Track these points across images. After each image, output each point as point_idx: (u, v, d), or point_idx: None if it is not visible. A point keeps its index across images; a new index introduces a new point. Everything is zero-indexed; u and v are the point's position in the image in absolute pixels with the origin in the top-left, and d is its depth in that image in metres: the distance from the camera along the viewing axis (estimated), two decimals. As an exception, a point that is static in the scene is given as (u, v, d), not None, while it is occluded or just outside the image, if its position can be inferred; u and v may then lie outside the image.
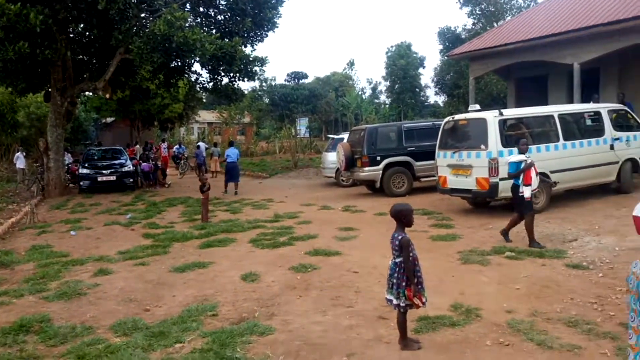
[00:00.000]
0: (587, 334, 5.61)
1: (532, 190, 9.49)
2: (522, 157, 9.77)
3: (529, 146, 12.23)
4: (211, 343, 5.78)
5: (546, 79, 21.46)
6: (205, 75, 22.90)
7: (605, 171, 13.33)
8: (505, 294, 7.05)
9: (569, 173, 12.64)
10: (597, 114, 13.61)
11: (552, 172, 12.31)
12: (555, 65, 19.08)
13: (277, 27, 21.64)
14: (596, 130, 13.40)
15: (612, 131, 13.49)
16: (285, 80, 70.52)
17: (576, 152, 12.80)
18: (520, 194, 9.51)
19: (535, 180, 9.57)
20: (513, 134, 12.52)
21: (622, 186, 13.62)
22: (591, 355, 5.14)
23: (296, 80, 69.87)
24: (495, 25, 34.52)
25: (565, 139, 12.71)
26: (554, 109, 13.51)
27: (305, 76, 71.47)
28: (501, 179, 11.82)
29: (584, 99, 17.40)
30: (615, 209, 11.92)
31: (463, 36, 39.67)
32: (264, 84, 67.03)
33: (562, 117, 12.97)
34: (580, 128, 13.46)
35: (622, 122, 14.03)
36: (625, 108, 14.74)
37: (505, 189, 11.94)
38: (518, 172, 9.61)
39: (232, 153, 20.25)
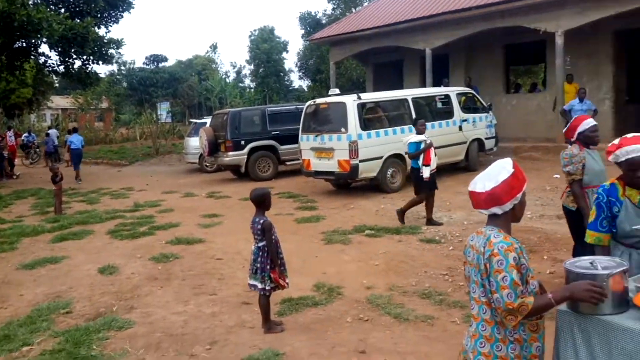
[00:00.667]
0: (439, 305, 5.96)
1: (430, 171, 9.47)
2: (421, 137, 9.75)
3: (386, 129, 12.83)
4: (64, 343, 5.43)
5: (401, 63, 22.43)
6: (55, 57, 21.38)
7: (455, 151, 14.23)
8: (365, 271, 7.30)
9: (423, 153, 13.32)
10: (447, 97, 14.48)
11: (407, 153, 12.89)
12: (410, 51, 20.00)
13: (133, 7, 20.74)
14: (446, 112, 14.26)
15: (460, 113, 14.42)
16: (144, 63, 67.84)
17: (428, 133, 13.46)
18: (420, 174, 9.53)
19: (434, 160, 9.63)
20: (371, 117, 13.00)
21: (470, 164, 14.62)
22: (443, 324, 5.47)
23: (156, 64, 67.44)
24: (354, 10, 35.47)
25: (419, 120, 13.34)
26: (408, 93, 14.19)
27: (165, 59, 69.24)
28: (361, 161, 12.22)
29: (436, 83, 18.43)
30: (463, 185, 12.72)
31: (323, 21, 40.40)
32: (122, 67, 63.99)
33: (415, 100, 13.63)
34: (432, 111, 14.25)
35: (469, 105, 15.04)
36: (472, 91, 15.81)
37: (365, 170, 12.40)
38: (417, 152, 9.60)
39: (76, 140, 19.59)
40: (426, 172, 9.45)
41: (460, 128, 14.31)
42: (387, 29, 19.64)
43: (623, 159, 3.35)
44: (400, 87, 20.76)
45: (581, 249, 5.53)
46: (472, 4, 17.01)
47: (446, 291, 6.34)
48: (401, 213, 9.82)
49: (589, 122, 5.53)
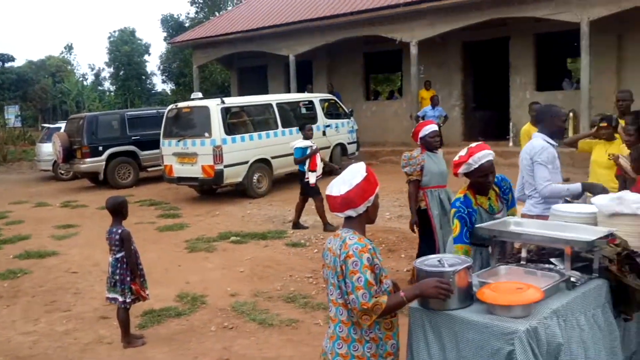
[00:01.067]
0: (303, 308, 6.03)
1: (316, 177, 9.37)
2: (307, 142, 9.66)
3: (251, 133, 12.81)
4: None
5: (266, 69, 22.54)
6: None
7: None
8: (229, 278, 7.21)
9: (288, 158, 13.42)
10: (311, 103, 14.76)
11: (272, 157, 13.01)
12: (274, 56, 20.13)
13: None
14: (310, 118, 14.52)
15: (324, 119, 14.75)
16: (-14, 63, 62.34)
17: (293, 138, 13.63)
18: (306, 180, 9.40)
19: (320, 166, 9.58)
20: (235, 122, 12.92)
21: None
22: (307, 327, 5.53)
23: (1, 63, 62.26)
24: (217, 14, 35.11)
25: (283, 126, 13.50)
26: (273, 98, 14.30)
27: (13, 59, 64.05)
28: (226, 166, 12.09)
29: (300, 89, 18.73)
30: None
31: (186, 24, 39.54)
32: (-40, 67, 58.41)
33: (280, 105, 13.76)
34: (296, 116, 14.45)
35: (332, 111, 15.45)
36: (334, 98, 16.26)
37: (230, 175, 12.28)
38: (304, 157, 9.50)
39: None
40: (312, 178, 9.34)
41: (324, 133, 14.63)
42: (251, 34, 19.65)
43: (476, 166, 3.55)
44: (266, 92, 20.85)
45: (425, 247, 5.86)
46: (334, 12, 17.49)
47: (311, 294, 6.43)
48: (296, 225, 9.70)
49: (429, 128, 5.92)
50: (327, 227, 9.39)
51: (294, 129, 13.79)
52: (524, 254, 3.35)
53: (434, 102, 15.12)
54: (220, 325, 5.67)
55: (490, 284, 2.82)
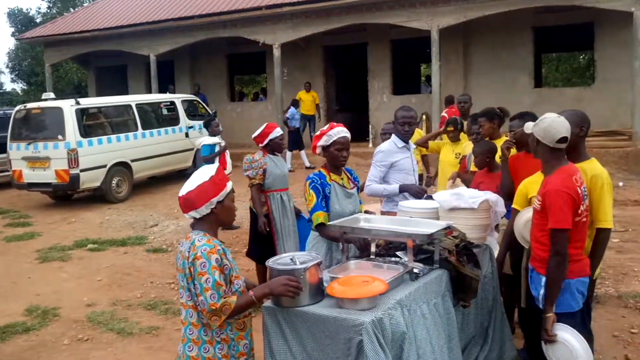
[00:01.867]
0: (164, 314, 5.89)
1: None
2: (215, 139, 9.30)
3: (109, 135, 12.27)
4: None
5: (126, 68, 21.67)
6: None
7: (182, 157, 14.23)
8: (86, 287, 6.87)
9: (149, 161, 13.09)
10: (173, 104, 14.41)
11: (132, 160, 12.55)
12: (134, 56, 19.39)
13: None
14: (172, 119, 14.19)
15: (186, 120, 14.46)
16: None
17: (154, 140, 13.32)
18: None
19: (230, 164, 9.20)
20: (92, 124, 12.31)
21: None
22: (168, 333, 5.41)
23: None
24: (72, 10, 33.19)
25: (144, 128, 13.08)
26: (132, 99, 13.79)
27: None
28: (82, 170, 11.48)
29: (161, 90, 18.22)
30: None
31: (38, 20, 36.99)
32: None
33: (140, 106, 13.30)
34: (157, 117, 14.05)
35: (195, 112, 15.19)
36: (197, 98, 16.01)
37: (87, 180, 11.67)
38: (212, 155, 9.12)
39: None
40: None
41: (187, 135, 14.36)
42: (109, 32, 18.78)
43: (335, 138, 3.82)
44: (126, 92, 20.04)
45: (256, 243, 5.91)
46: (195, 12, 17.21)
47: (172, 300, 6.29)
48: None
49: (279, 131, 5.95)
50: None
51: (155, 131, 13.44)
52: (373, 248, 3.52)
53: (297, 104, 15.40)
54: (74, 337, 5.38)
55: (338, 279, 2.94)
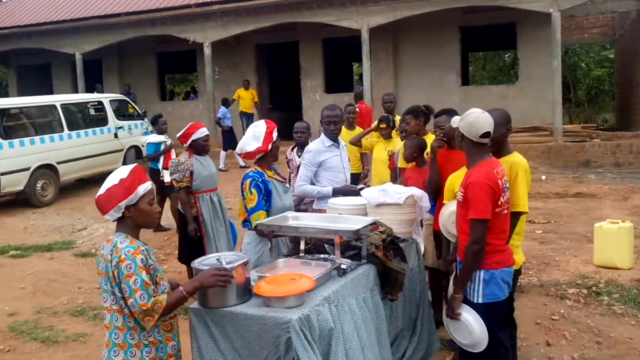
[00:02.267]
0: (93, 320, 5.72)
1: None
2: (161, 137, 8.89)
3: (32, 137, 11.79)
4: None
5: (50, 67, 20.88)
6: None
7: (111, 159, 13.82)
8: (8, 296, 6.57)
9: (76, 163, 12.67)
10: (100, 103, 14.00)
11: (58, 162, 12.11)
12: (59, 54, 18.73)
13: None
14: (100, 119, 13.78)
15: (115, 120, 14.08)
16: None
17: (81, 141, 12.90)
18: (161, 178, 8.58)
19: None
20: (13, 125, 11.80)
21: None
22: (97, 340, 5.24)
23: None
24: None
25: (70, 129, 12.64)
26: (57, 99, 13.30)
27: None
28: (3, 174, 10.99)
29: (89, 89, 17.67)
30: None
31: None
32: None
33: (65, 106, 12.85)
34: (84, 118, 13.63)
35: (124, 112, 14.81)
36: (126, 98, 15.61)
37: (9, 184, 11.17)
38: (157, 154, 8.75)
39: None
40: (167, 177, 8.28)
41: (116, 135, 13.99)
42: (30, 29, 18.04)
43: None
44: (51, 92, 19.30)
45: (186, 246, 5.83)
46: (122, 10, 16.79)
47: (101, 305, 5.94)
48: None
49: (203, 131, 5.76)
50: (160, 228, 8.93)
51: (82, 132, 13.02)
52: (302, 245, 3.54)
53: (227, 103, 15.24)
54: (-5, 349, 5.15)
55: (265, 278, 2.94)
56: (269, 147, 3.91)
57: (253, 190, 3.78)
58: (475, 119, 3.34)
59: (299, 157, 5.55)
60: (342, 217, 3.65)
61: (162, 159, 8.81)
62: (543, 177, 11.76)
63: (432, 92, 14.90)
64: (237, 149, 4.04)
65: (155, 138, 9.08)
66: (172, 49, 18.78)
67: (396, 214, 3.87)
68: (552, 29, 13.04)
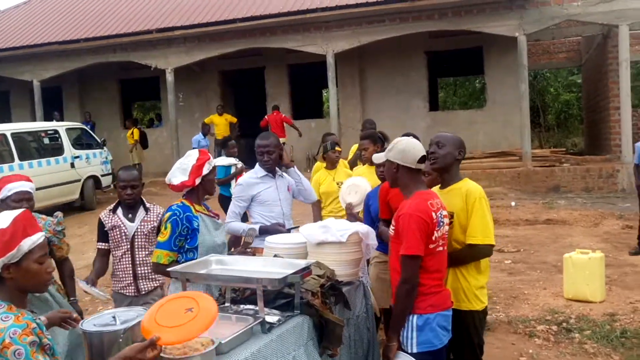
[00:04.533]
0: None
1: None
2: (231, 160, 8.29)
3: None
4: None
5: (8, 95, 20.22)
6: None
7: (68, 189, 13.26)
8: None
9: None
10: (56, 132, 13.43)
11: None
12: (16, 82, 18.12)
13: None
14: (56, 148, 13.20)
15: (72, 149, 13.51)
16: None
17: (34, 172, 12.23)
18: None
19: None
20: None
21: (86, 203, 13.79)
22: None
23: None
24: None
25: (21, 158, 12.06)
26: (7, 128, 12.72)
27: None
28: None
29: (48, 117, 17.06)
30: (78, 226, 11.90)
31: None
32: None
33: (16, 135, 12.27)
34: (38, 147, 13.03)
35: (82, 141, 14.25)
36: (84, 127, 15.08)
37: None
38: (227, 178, 8.11)
39: None
40: None
41: (73, 165, 13.41)
42: (-17, 56, 17.44)
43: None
44: (8, 120, 18.60)
45: None
46: (81, 35, 16.29)
47: None
48: None
49: (14, 187, 4.16)
50: None
51: (35, 162, 12.44)
52: (228, 294, 3.08)
53: (205, 131, 14.71)
54: None
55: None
56: (196, 182, 3.49)
57: (169, 225, 3.40)
58: (406, 145, 3.08)
59: None
60: (274, 260, 3.20)
61: (232, 183, 7.97)
62: (513, 204, 11.46)
63: (399, 117, 14.64)
64: (166, 178, 3.61)
65: (224, 161, 8.35)
66: (135, 75, 18.29)
67: (339, 254, 3.43)
68: (519, 53, 12.89)
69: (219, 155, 15.90)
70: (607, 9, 12.33)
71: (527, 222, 10.31)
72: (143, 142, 17.12)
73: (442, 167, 3.31)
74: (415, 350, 3.00)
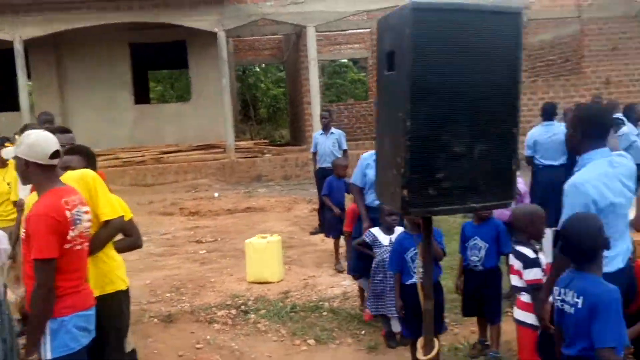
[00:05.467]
0: None
1: None
2: None
3: None
4: None
5: None
6: None
7: None
8: None
9: None
10: None
11: None
12: None
13: None
14: None
15: None
16: None
17: None
18: None
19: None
20: None
21: None
22: None
23: None
24: None
25: None
26: None
27: None
28: None
29: None
30: None
31: None
32: None
33: None
34: None
35: None
36: None
37: None
38: None
39: None
40: None
41: None
42: None
43: None
44: None
45: None
46: None
47: None
48: None
49: None
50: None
51: None
52: None
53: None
54: None
55: None
56: None
57: None
58: (36, 139, 2.90)
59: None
60: None
61: None
62: (216, 194, 11.82)
63: (104, 110, 13.99)
64: None
65: None
66: None
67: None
68: (219, 48, 13.28)
69: None
70: (296, 10, 13.37)
71: (228, 211, 10.70)
72: None
73: None
74: (50, 357, 2.86)
